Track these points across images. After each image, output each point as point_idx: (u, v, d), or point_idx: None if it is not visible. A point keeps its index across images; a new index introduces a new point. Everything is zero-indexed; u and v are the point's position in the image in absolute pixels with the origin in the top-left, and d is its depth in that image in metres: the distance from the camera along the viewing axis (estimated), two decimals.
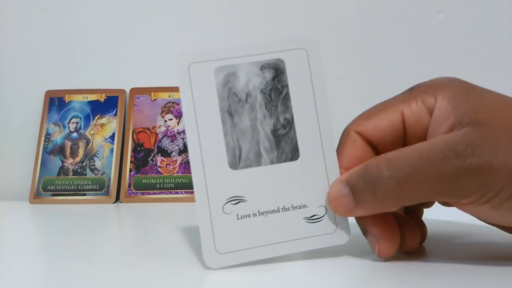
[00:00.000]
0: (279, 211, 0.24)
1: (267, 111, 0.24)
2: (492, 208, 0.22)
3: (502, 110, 0.23)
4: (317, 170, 0.24)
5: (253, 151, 0.24)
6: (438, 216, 0.31)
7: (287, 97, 0.24)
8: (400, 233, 0.24)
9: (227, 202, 0.23)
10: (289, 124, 0.24)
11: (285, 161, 0.24)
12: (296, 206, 0.24)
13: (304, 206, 0.24)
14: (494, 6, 0.58)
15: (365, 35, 0.59)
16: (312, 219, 0.24)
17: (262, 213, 0.23)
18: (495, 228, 0.25)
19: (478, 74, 0.58)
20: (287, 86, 0.24)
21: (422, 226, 0.27)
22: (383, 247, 0.23)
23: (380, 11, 0.59)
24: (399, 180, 0.22)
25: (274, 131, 0.24)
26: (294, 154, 0.24)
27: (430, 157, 0.21)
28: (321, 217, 0.24)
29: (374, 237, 0.24)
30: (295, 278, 0.22)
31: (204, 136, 0.23)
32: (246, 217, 0.23)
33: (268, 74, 0.24)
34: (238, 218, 0.23)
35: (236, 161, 0.24)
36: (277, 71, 0.24)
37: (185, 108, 0.23)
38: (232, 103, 0.24)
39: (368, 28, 0.59)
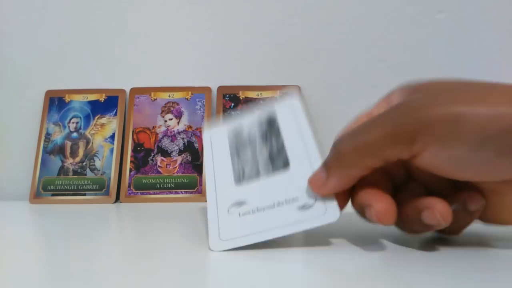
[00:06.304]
0: (274, 206, 0.27)
1: (264, 146, 0.31)
2: (438, 152, 0.23)
3: (441, 82, 0.26)
4: (305, 173, 0.27)
5: (254, 170, 0.30)
6: None
7: (279, 134, 0.31)
8: (459, 195, 0.25)
9: (231, 206, 0.28)
10: (281, 149, 0.30)
11: (278, 170, 0.29)
12: (289, 200, 0.27)
13: (296, 198, 0.27)
14: (494, 6, 0.58)
15: (365, 35, 0.59)
16: (304, 207, 0.26)
17: (260, 210, 0.27)
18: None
19: (478, 74, 0.58)
20: (279, 127, 0.31)
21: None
22: (379, 207, 0.24)
23: (379, 11, 0.59)
24: (355, 144, 0.25)
25: (270, 155, 0.30)
26: (285, 166, 0.29)
27: (376, 116, 0.25)
28: (311, 205, 0.26)
29: (369, 205, 0.24)
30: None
31: (218, 167, 0.31)
32: (247, 214, 0.27)
33: (264, 126, 0.32)
34: (240, 216, 0.27)
35: (240, 179, 0.30)
36: (270, 120, 0.32)
37: (205, 152, 0.33)
38: (238, 146, 0.32)
39: (367, 28, 0.59)
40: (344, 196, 0.27)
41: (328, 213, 0.26)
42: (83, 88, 0.59)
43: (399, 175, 0.28)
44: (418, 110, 0.23)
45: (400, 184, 0.28)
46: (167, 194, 0.54)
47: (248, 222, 0.27)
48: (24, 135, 0.59)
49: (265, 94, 0.58)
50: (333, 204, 0.26)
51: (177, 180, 0.54)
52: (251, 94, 0.58)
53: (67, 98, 0.59)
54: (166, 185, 0.54)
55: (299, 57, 0.59)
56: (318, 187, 0.26)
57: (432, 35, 0.58)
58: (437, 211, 0.24)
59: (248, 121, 0.33)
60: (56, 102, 0.59)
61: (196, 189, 0.54)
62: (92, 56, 0.60)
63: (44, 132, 0.57)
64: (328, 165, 0.26)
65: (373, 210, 0.24)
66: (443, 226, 0.24)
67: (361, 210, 0.26)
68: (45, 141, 0.57)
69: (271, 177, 0.29)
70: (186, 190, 0.54)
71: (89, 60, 0.60)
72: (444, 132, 0.22)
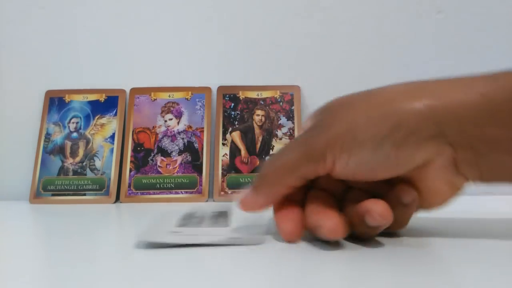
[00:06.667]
0: (210, 227, 0.32)
1: (211, 220, 0.34)
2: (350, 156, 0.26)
3: (340, 99, 0.29)
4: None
5: (197, 224, 0.33)
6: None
7: (226, 218, 0.35)
8: (392, 191, 0.27)
9: (169, 231, 0.31)
10: (225, 224, 0.33)
11: (218, 225, 0.33)
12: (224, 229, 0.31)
13: (230, 228, 0.31)
14: (494, 6, 0.58)
15: (365, 35, 0.59)
16: (236, 229, 0.31)
17: (195, 232, 0.31)
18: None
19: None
20: (228, 216, 0.36)
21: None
22: (328, 225, 0.26)
23: (380, 11, 0.59)
24: (275, 166, 0.28)
25: (214, 223, 0.34)
26: (225, 226, 0.33)
27: (292, 141, 0.28)
28: (242, 228, 0.31)
29: (319, 226, 0.26)
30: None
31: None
32: (182, 233, 0.31)
33: (216, 213, 0.37)
34: (176, 234, 0.31)
35: (182, 225, 0.33)
36: (223, 211, 0.37)
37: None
38: (187, 220, 0.35)
39: (368, 28, 0.59)
40: (300, 223, 0.28)
41: (255, 236, 0.29)
42: (83, 88, 0.59)
43: (338, 189, 0.30)
44: (322, 130, 0.27)
45: (343, 195, 0.29)
46: (167, 194, 0.54)
47: (182, 233, 0.30)
48: (24, 135, 0.59)
49: (265, 94, 0.58)
50: (260, 231, 0.30)
51: (177, 180, 0.54)
52: (251, 94, 0.58)
53: (67, 98, 0.59)
54: (166, 185, 0.54)
55: (299, 57, 0.59)
56: (247, 205, 0.29)
57: (432, 35, 0.58)
58: (376, 213, 0.25)
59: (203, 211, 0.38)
60: (56, 102, 0.59)
61: (196, 189, 0.54)
62: (92, 56, 0.60)
63: (44, 132, 0.57)
64: (254, 186, 0.29)
65: (324, 230, 0.26)
66: (387, 225, 0.26)
67: (314, 231, 0.27)
68: (45, 141, 0.57)
69: (211, 227, 0.33)
70: (186, 190, 0.54)
71: (89, 60, 0.60)
72: (346, 143, 0.26)
